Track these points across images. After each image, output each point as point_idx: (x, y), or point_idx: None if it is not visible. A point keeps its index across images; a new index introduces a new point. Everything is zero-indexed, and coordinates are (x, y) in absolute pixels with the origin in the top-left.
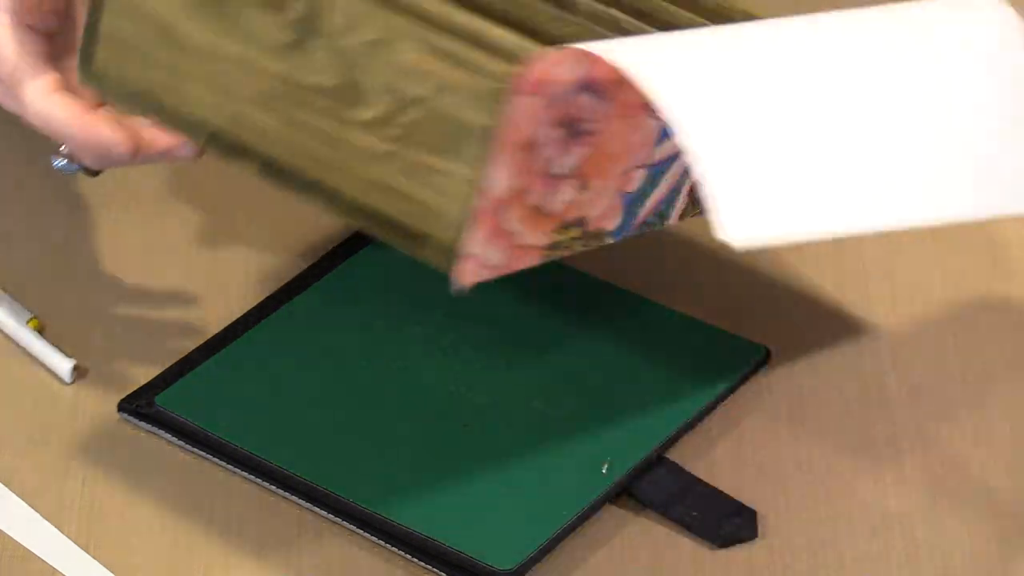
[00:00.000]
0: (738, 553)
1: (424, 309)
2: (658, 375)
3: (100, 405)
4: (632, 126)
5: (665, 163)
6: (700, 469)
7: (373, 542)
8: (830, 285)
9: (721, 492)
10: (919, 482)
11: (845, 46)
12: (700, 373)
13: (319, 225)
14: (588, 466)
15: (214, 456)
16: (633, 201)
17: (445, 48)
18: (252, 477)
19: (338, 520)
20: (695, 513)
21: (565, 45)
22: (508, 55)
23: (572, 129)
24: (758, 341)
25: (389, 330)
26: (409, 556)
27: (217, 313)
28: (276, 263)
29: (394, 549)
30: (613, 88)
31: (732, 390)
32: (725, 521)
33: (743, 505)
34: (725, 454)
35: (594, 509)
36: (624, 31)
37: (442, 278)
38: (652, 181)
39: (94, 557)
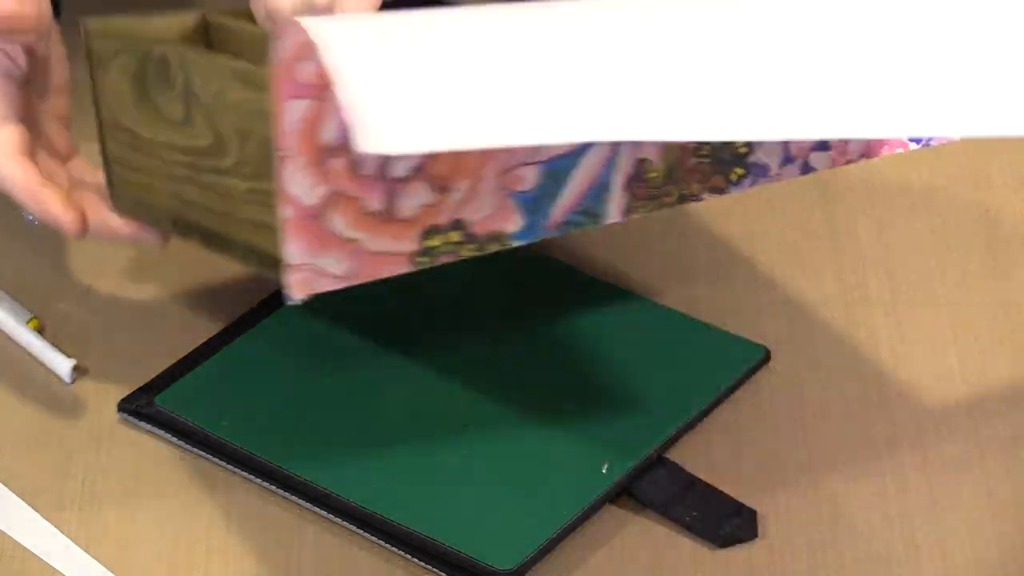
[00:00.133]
0: (738, 553)
1: (425, 309)
2: (658, 375)
3: (100, 405)
4: None
5: (566, 159)
6: (700, 469)
7: (373, 542)
8: (830, 285)
9: (721, 492)
10: (919, 482)
11: None
12: (700, 373)
13: None
14: (588, 466)
15: (214, 456)
16: (534, 200)
17: (255, 77)
18: (252, 477)
19: (338, 520)
20: (695, 513)
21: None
22: None
23: None
24: (758, 341)
25: (390, 330)
26: (409, 556)
27: (216, 313)
28: None
29: (394, 549)
30: None
31: (732, 390)
32: (725, 521)
33: (743, 505)
34: (725, 454)
35: (594, 509)
36: None
37: (444, 279)
38: (555, 178)
39: (94, 557)
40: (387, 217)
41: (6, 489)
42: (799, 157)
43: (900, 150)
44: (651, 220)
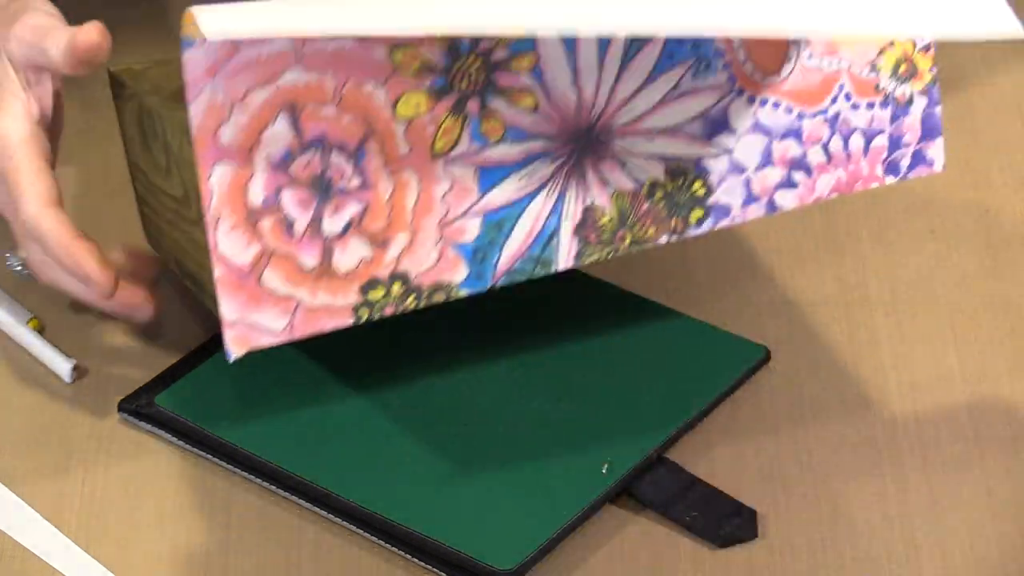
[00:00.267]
0: (738, 553)
1: (425, 310)
2: (658, 375)
3: (100, 405)
4: (428, 180)
5: (509, 208)
6: (700, 469)
7: (373, 542)
8: (830, 285)
9: (721, 492)
10: (919, 482)
11: None
12: (700, 373)
13: None
14: (588, 466)
15: (214, 456)
16: (478, 250)
17: None
18: (252, 477)
19: (338, 520)
20: (695, 513)
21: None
22: None
23: (319, 190)
24: (758, 341)
25: (389, 330)
26: (409, 556)
27: (217, 314)
28: None
29: (394, 549)
30: (364, 143)
31: (732, 390)
32: (725, 521)
33: (743, 505)
34: (725, 454)
35: (594, 509)
36: None
37: None
38: (499, 228)
39: (94, 557)
40: (324, 273)
41: (6, 489)
42: (763, 196)
43: (875, 184)
44: None
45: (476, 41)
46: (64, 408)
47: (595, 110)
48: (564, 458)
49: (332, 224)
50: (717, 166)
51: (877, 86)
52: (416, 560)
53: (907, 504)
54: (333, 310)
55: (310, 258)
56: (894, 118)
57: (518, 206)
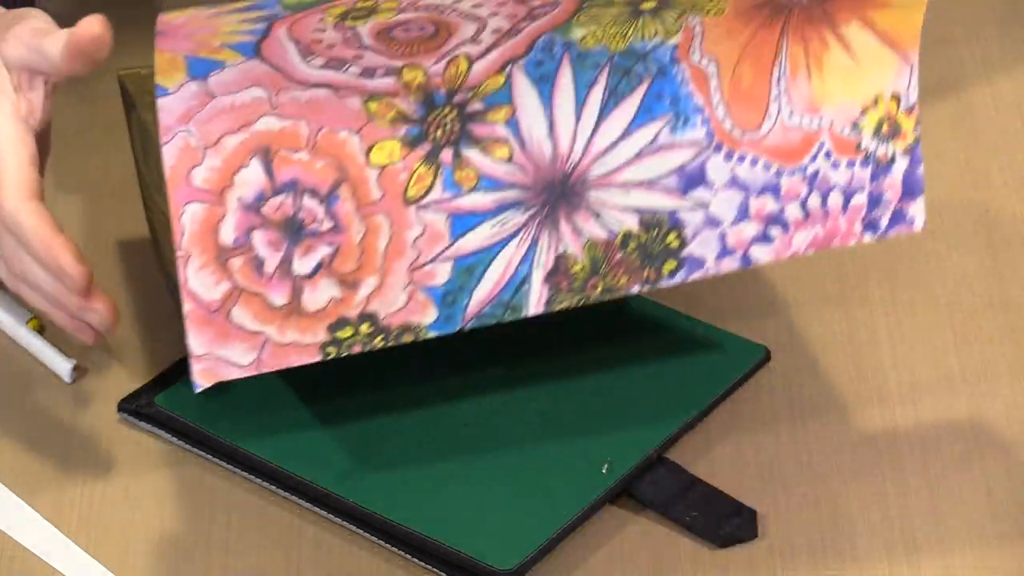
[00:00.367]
0: (738, 553)
1: None
2: (658, 375)
3: (100, 405)
4: (400, 225)
5: (481, 254)
6: (700, 469)
7: (373, 542)
8: (830, 285)
9: (721, 492)
10: (919, 482)
11: None
12: (700, 373)
13: None
14: (588, 466)
15: (214, 456)
16: (448, 294)
17: None
18: (252, 477)
19: (338, 520)
20: (695, 513)
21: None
22: None
23: (290, 232)
24: (758, 341)
25: None
26: (409, 556)
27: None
28: None
29: (394, 549)
30: (336, 188)
31: (732, 390)
32: (725, 521)
33: (743, 505)
34: (725, 454)
35: (594, 509)
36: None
37: None
38: (470, 273)
39: (94, 557)
40: (293, 311)
41: (6, 489)
42: (738, 250)
43: (853, 241)
44: None
45: (452, 93)
46: (64, 408)
47: (570, 162)
48: (564, 458)
49: (302, 265)
50: (692, 219)
51: (859, 145)
52: (416, 560)
53: (907, 504)
54: (301, 347)
55: (279, 297)
56: (875, 177)
57: (489, 252)
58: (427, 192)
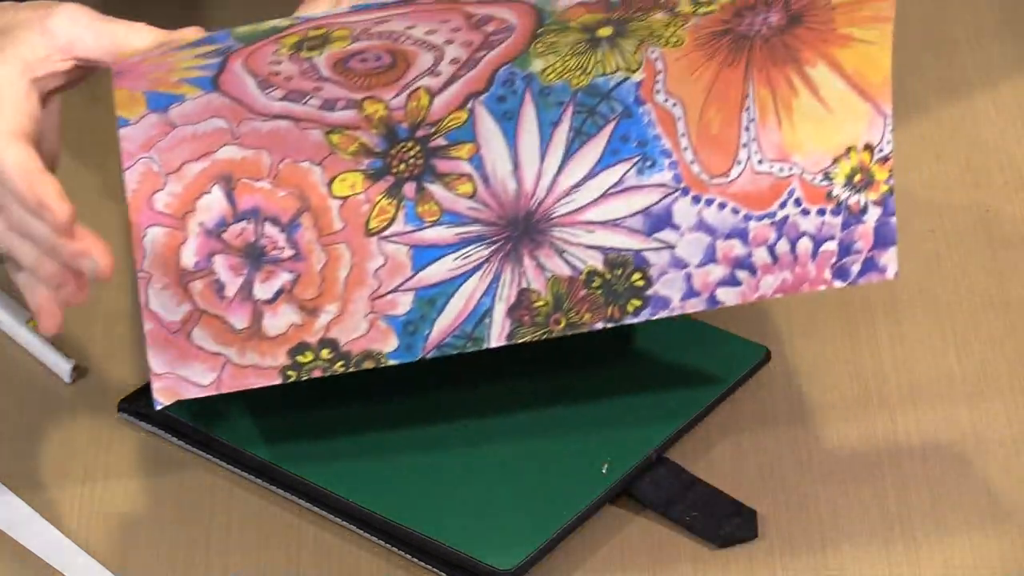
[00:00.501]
0: (738, 553)
1: None
2: (658, 375)
3: (100, 405)
4: (361, 255)
5: (443, 286)
6: (700, 469)
7: (373, 542)
8: None
9: (721, 492)
10: (919, 482)
11: None
12: (700, 373)
13: None
14: (588, 466)
15: (214, 456)
16: (409, 324)
17: None
18: (252, 477)
19: (338, 520)
20: (695, 513)
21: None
22: None
23: (251, 258)
24: (758, 341)
25: None
26: (409, 556)
27: None
28: None
29: (394, 549)
30: (298, 217)
31: (732, 390)
32: (725, 521)
33: (743, 505)
34: (725, 454)
35: (594, 509)
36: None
37: None
38: (431, 304)
39: (94, 557)
40: (253, 335)
41: (6, 489)
42: (704, 291)
43: (823, 287)
44: None
45: (414, 127)
46: (64, 408)
47: (535, 199)
48: (564, 458)
49: (263, 290)
50: (658, 260)
51: (829, 194)
52: (416, 560)
53: (907, 504)
54: (261, 369)
55: (239, 320)
56: (846, 225)
57: (451, 285)
58: (389, 224)
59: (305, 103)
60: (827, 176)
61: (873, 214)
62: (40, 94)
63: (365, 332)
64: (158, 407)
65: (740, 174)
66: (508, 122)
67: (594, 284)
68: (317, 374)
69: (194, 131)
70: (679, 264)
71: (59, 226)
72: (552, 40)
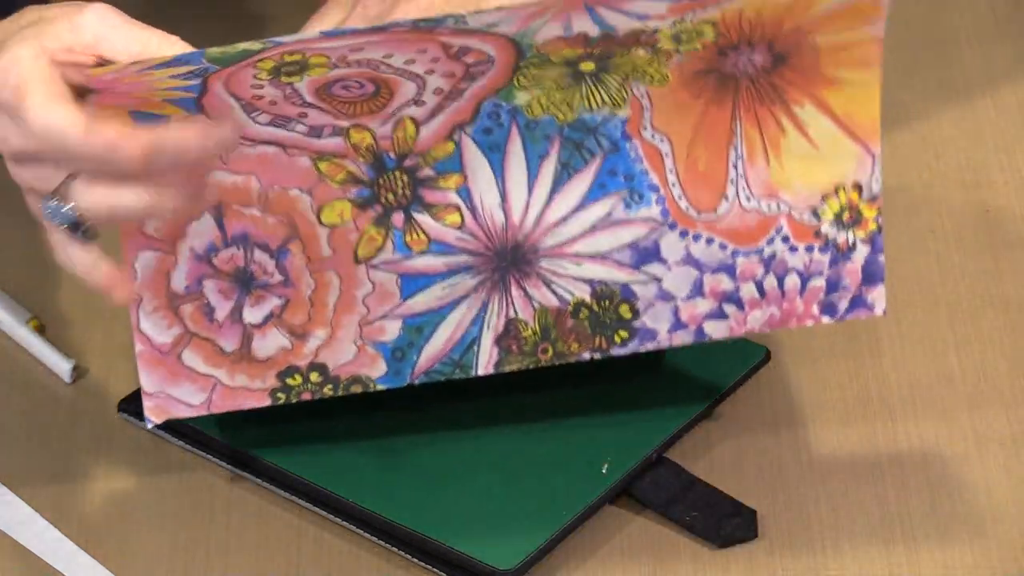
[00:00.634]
0: (738, 553)
1: None
2: (658, 375)
3: (100, 405)
4: (349, 282)
5: (430, 314)
6: (700, 469)
7: (373, 542)
8: None
9: (721, 492)
10: (919, 482)
11: None
12: (700, 373)
13: None
14: (588, 466)
15: (214, 456)
16: (397, 350)
17: None
18: (252, 477)
19: (338, 520)
20: (695, 513)
21: None
22: None
23: (241, 282)
24: (758, 341)
25: None
26: (409, 556)
27: None
28: None
29: (394, 549)
30: (287, 244)
31: (732, 390)
32: (725, 521)
33: (743, 505)
34: (725, 454)
35: (594, 509)
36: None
37: None
38: (419, 332)
39: (94, 557)
40: (243, 357)
41: (6, 489)
42: (691, 324)
43: (810, 322)
44: None
45: (402, 157)
46: (64, 408)
47: (522, 231)
48: (564, 458)
49: (252, 314)
50: (645, 292)
51: (818, 231)
52: (416, 560)
53: (907, 504)
54: (251, 391)
55: (229, 343)
56: (833, 262)
57: (439, 313)
58: (377, 253)
59: (291, 128)
60: (815, 214)
61: (861, 252)
62: (64, 79)
63: (354, 357)
64: (149, 425)
65: (728, 210)
66: (495, 154)
67: (581, 315)
68: (306, 397)
69: None
70: (666, 297)
71: (136, 158)
72: (535, 73)
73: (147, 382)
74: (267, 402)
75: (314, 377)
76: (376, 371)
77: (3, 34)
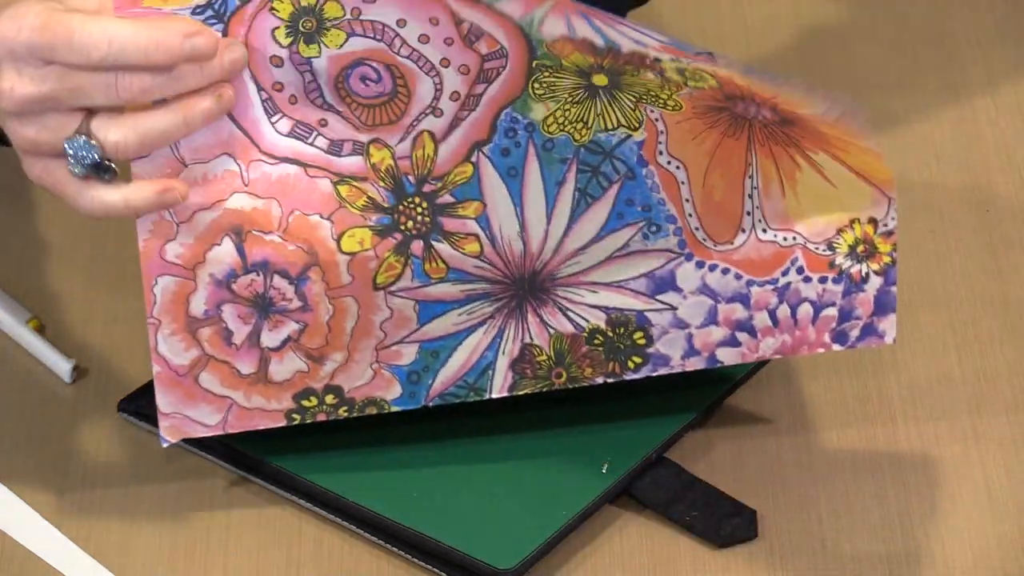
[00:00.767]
0: (738, 553)
1: None
2: (659, 375)
3: (100, 405)
4: (367, 308)
5: (447, 339)
6: (700, 469)
7: (373, 542)
8: None
9: (721, 492)
10: (919, 482)
11: None
12: (700, 373)
13: None
14: (588, 466)
15: (214, 456)
16: (413, 374)
17: None
18: (252, 477)
19: (338, 520)
20: (695, 513)
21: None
22: None
23: (260, 308)
24: None
25: None
26: (409, 556)
27: None
28: None
29: (394, 549)
30: (307, 271)
31: (732, 390)
32: (725, 521)
33: (743, 505)
34: (725, 454)
35: (594, 509)
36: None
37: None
38: (435, 356)
39: (94, 557)
40: (259, 380)
41: (6, 489)
42: (704, 351)
43: (821, 350)
44: None
45: (421, 181)
46: (64, 408)
47: (540, 260)
48: (564, 458)
49: (270, 338)
50: (660, 320)
51: (832, 263)
52: (416, 560)
53: (907, 504)
54: (266, 412)
55: (246, 366)
56: (847, 293)
57: (455, 339)
58: (396, 280)
59: (312, 142)
60: (830, 246)
61: (874, 283)
62: None
63: (369, 380)
64: (165, 444)
65: (745, 242)
66: (513, 180)
67: (596, 341)
68: (321, 418)
69: (204, 173)
70: (681, 325)
71: (208, 46)
72: (549, 80)
73: (163, 403)
74: (282, 422)
75: (329, 399)
76: (391, 393)
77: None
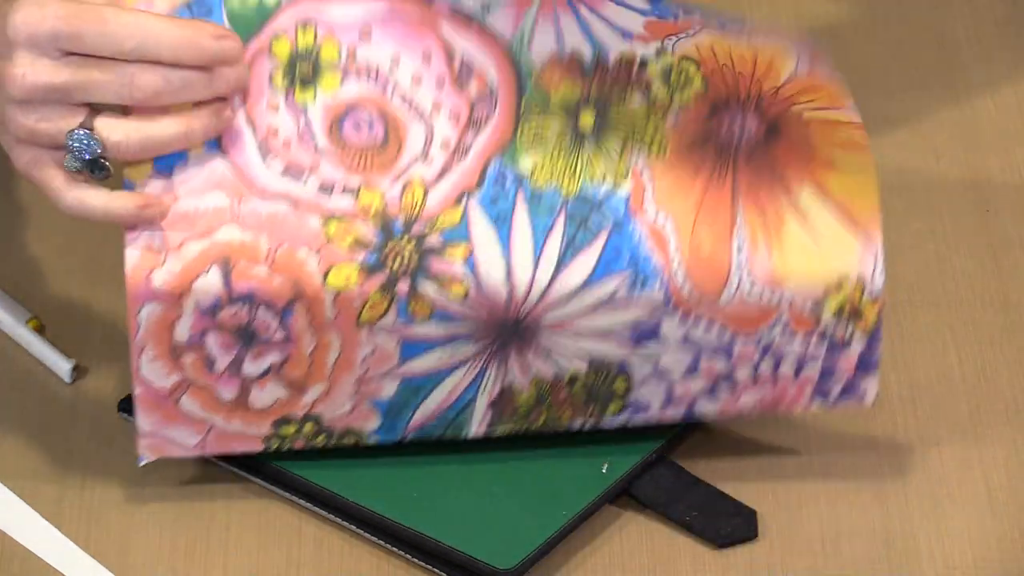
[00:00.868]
0: (738, 553)
1: None
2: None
3: (100, 405)
4: (350, 344)
5: (429, 377)
6: (700, 469)
7: (373, 542)
8: None
9: (721, 492)
10: (919, 483)
11: None
12: None
13: None
14: (588, 466)
15: (214, 456)
16: (393, 407)
17: None
18: (252, 477)
19: (338, 520)
20: (695, 513)
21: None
22: None
23: (243, 338)
24: None
25: None
26: (409, 556)
27: None
28: None
29: (394, 549)
30: (292, 304)
31: None
32: (725, 521)
33: (743, 505)
34: (725, 454)
35: (594, 509)
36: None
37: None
38: (416, 392)
39: (94, 557)
40: (240, 406)
41: (6, 489)
42: (683, 401)
43: (800, 408)
44: None
45: (409, 223)
46: (64, 408)
47: (526, 307)
48: (564, 458)
49: (252, 367)
50: (641, 368)
51: (817, 322)
52: (416, 560)
53: (907, 504)
54: (245, 437)
55: (227, 392)
56: (831, 352)
57: (437, 376)
58: (380, 317)
59: (304, 182)
60: (817, 305)
61: (858, 345)
62: None
63: (349, 411)
64: (142, 462)
65: (731, 299)
66: (502, 225)
67: (576, 386)
68: (299, 445)
69: (196, 207)
70: (662, 375)
71: (236, 49)
72: (536, 126)
73: (143, 422)
74: (260, 448)
75: (308, 428)
76: (370, 425)
77: None
